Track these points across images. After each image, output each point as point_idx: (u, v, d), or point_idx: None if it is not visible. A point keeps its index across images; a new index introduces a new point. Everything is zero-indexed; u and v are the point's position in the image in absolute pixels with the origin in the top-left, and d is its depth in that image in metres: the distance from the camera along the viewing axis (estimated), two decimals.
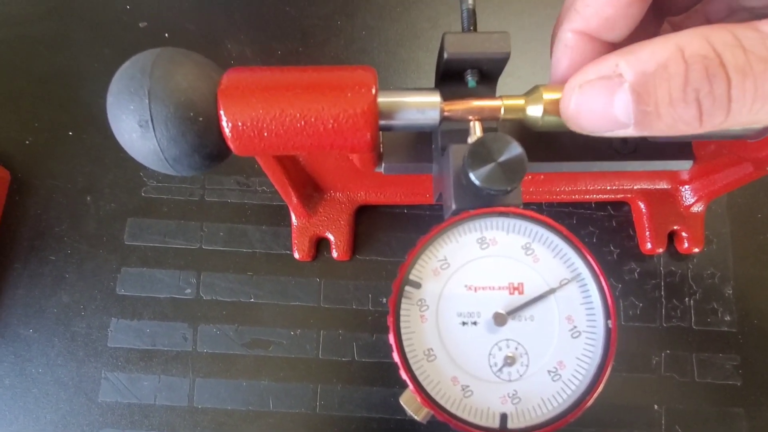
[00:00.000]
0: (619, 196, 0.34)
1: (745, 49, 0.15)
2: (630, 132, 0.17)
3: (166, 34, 0.39)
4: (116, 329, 0.33)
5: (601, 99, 0.17)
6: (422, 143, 0.26)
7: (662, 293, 0.34)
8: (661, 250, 0.34)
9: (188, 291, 0.34)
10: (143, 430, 0.32)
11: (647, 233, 0.34)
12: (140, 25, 0.39)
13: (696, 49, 0.15)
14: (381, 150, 0.26)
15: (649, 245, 0.34)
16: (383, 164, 0.26)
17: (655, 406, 0.32)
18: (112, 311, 0.34)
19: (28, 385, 0.33)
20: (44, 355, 0.33)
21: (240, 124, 0.20)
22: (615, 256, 0.35)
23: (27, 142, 0.37)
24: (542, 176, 0.33)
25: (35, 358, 0.33)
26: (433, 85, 0.24)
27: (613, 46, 0.21)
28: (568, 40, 0.20)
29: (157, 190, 0.36)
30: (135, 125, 0.19)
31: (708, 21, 0.23)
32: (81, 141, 0.37)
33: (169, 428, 0.32)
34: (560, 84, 0.21)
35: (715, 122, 0.16)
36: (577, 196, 0.34)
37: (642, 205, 0.34)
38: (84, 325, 0.33)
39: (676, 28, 0.24)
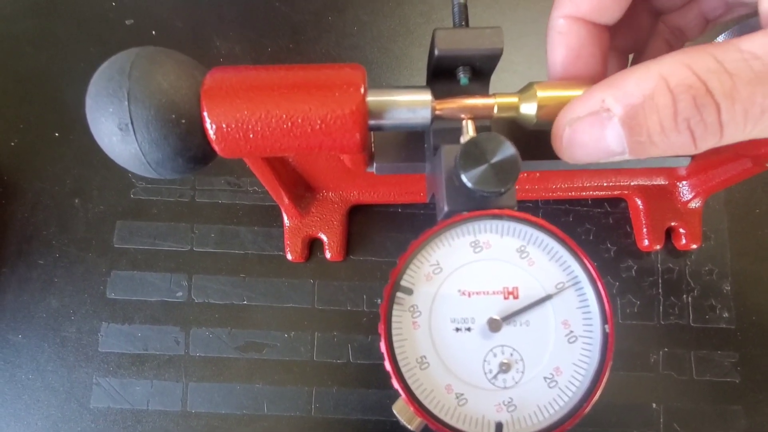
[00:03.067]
0: (615, 193, 0.34)
1: (730, 73, 0.15)
2: (626, 158, 0.17)
3: (154, 32, 0.38)
4: (107, 334, 0.33)
5: (592, 134, 0.17)
6: (415, 142, 0.26)
7: (660, 290, 0.34)
8: (658, 247, 0.33)
9: (180, 294, 0.33)
10: None
11: (644, 230, 0.33)
12: (127, 22, 0.38)
13: (680, 79, 0.15)
14: (372, 150, 0.26)
15: (646, 242, 0.33)
16: (375, 164, 0.25)
17: (653, 405, 0.32)
18: (102, 315, 0.33)
19: (18, 392, 0.32)
20: (34, 361, 0.32)
21: (224, 125, 0.19)
22: (612, 253, 0.34)
23: (12, 143, 0.36)
24: (538, 173, 0.32)
25: (25, 364, 0.32)
26: (426, 82, 0.23)
27: (606, 29, 0.21)
28: (561, 27, 0.20)
29: (146, 192, 0.35)
30: (115, 128, 0.18)
31: (704, 17, 0.23)
32: (68, 142, 0.36)
33: None
34: (557, 78, 0.21)
35: (710, 144, 0.16)
36: (573, 193, 0.34)
37: (639, 202, 0.33)
38: (74, 329, 0.33)
39: (672, 26, 0.24)
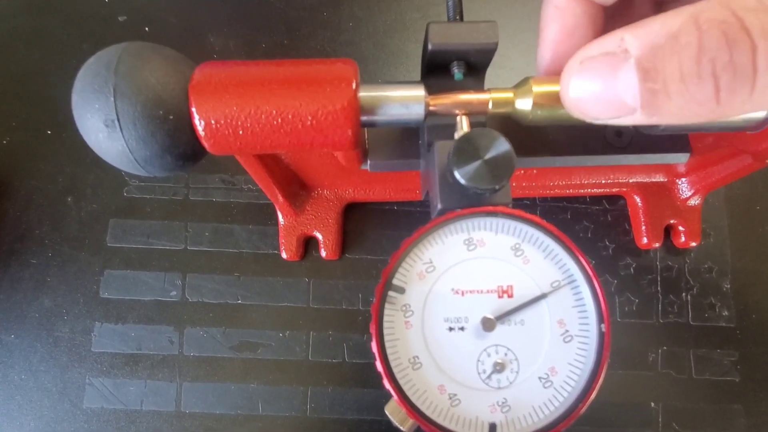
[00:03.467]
0: (614, 190, 0.34)
1: None
2: (638, 118, 0.15)
3: (147, 28, 0.37)
4: (100, 333, 0.32)
5: (603, 77, 0.15)
6: (409, 138, 0.25)
7: (659, 288, 0.33)
8: (657, 245, 0.33)
9: (174, 293, 0.33)
10: None
11: (643, 227, 0.33)
12: (119, 18, 0.37)
13: (712, 14, 0.13)
14: (366, 146, 0.25)
15: (645, 240, 0.33)
16: (368, 161, 0.25)
17: (652, 404, 0.32)
18: (95, 315, 0.33)
19: (11, 392, 0.32)
20: (27, 361, 0.32)
21: (213, 122, 0.19)
22: (610, 251, 0.34)
23: (4, 141, 0.35)
24: (535, 170, 0.32)
25: (17, 365, 0.32)
26: (420, 77, 0.23)
27: (602, 11, 0.20)
28: (559, 1, 0.19)
29: (139, 190, 0.35)
30: (101, 125, 0.18)
31: None
32: (61, 140, 0.35)
33: None
34: (546, 55, 0.20)
35: (736, 100, 0.13)
36: (571, 190, 0.33)
37: (638, 199, 0.33)
38: (67, 329, 0.32)
39: None
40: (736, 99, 0.13)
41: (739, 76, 0.13)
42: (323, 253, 0.33)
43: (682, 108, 0.14)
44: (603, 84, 0.15)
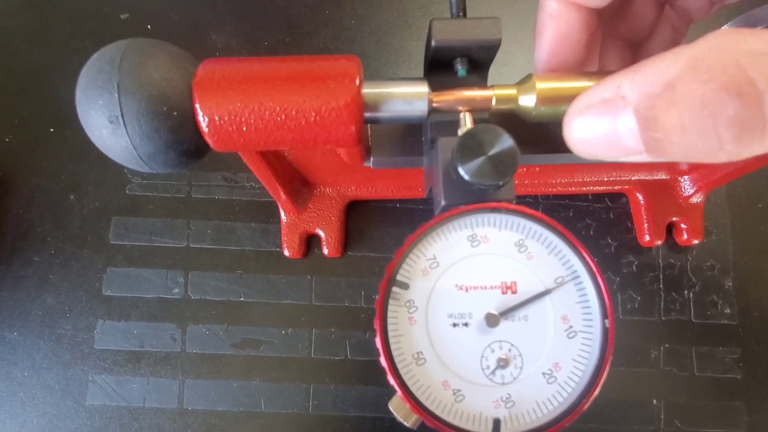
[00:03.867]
0: (616, 188, 0.34)
1: None
2: (647, 158, 0.15)
3: (149, 26, 0.37)
4: (103, 331, 0.32)
5: (604, 124, 0.15)
6: (412, 135, 0.25)
7: (661, 286, 0.33)
8: (659, 242, 0.33)
9: (176, 291, 0.33)
10: None
11: (645, 225, 0.33)
12: (121, 16, 0.37)
13: (712, 61, 0.12)
14: (369, 143, 0.25)
15: (647, 237, 0.33)
16: (371, 158, 0.25)
17: (654, 401, 0.32)
18: (98, 312, 0.33)
19: (14, 389, 0.32)
20: (30, 359, 0.32)
21: (217, 118, 0.19)
22: (613, 248, 0.34)
23: (7, 139, 0.35)
24: (537, 168, 0.32)
25: (20, 362, 0.32)
26: (423, 74, 0.23)
27: (595, 14, 0.20)
28: (552, 10, 0.20)
29: (142, 188, 0.35)
30: (105, 121, 0.18)
31: (711, 2, 0.22)
32: (63, 137, 0.36)
33: (158, 431, 0.31)
34: (543, 60, 0.21)
35: (745, 150, 0.12)
36: (573, 188, 0.33)
37: (640, 197, 0.33)
38: (70, 327, 0.33)
39: (678, 9, 0.23)
40: (745, 149, 0.13)
41: (748, 130, 0.12)
42: (325, 251, 0.33)
43: (687, 153, 0.13)
44: (605, 130, 0.15)
